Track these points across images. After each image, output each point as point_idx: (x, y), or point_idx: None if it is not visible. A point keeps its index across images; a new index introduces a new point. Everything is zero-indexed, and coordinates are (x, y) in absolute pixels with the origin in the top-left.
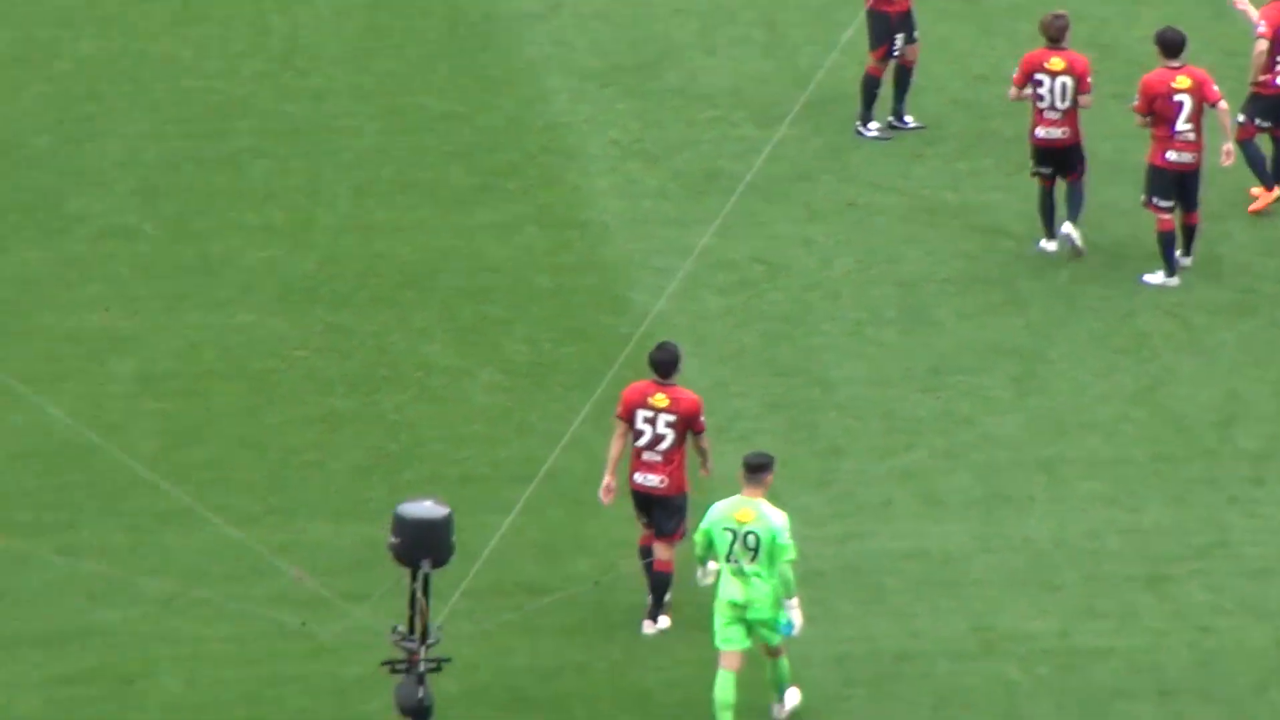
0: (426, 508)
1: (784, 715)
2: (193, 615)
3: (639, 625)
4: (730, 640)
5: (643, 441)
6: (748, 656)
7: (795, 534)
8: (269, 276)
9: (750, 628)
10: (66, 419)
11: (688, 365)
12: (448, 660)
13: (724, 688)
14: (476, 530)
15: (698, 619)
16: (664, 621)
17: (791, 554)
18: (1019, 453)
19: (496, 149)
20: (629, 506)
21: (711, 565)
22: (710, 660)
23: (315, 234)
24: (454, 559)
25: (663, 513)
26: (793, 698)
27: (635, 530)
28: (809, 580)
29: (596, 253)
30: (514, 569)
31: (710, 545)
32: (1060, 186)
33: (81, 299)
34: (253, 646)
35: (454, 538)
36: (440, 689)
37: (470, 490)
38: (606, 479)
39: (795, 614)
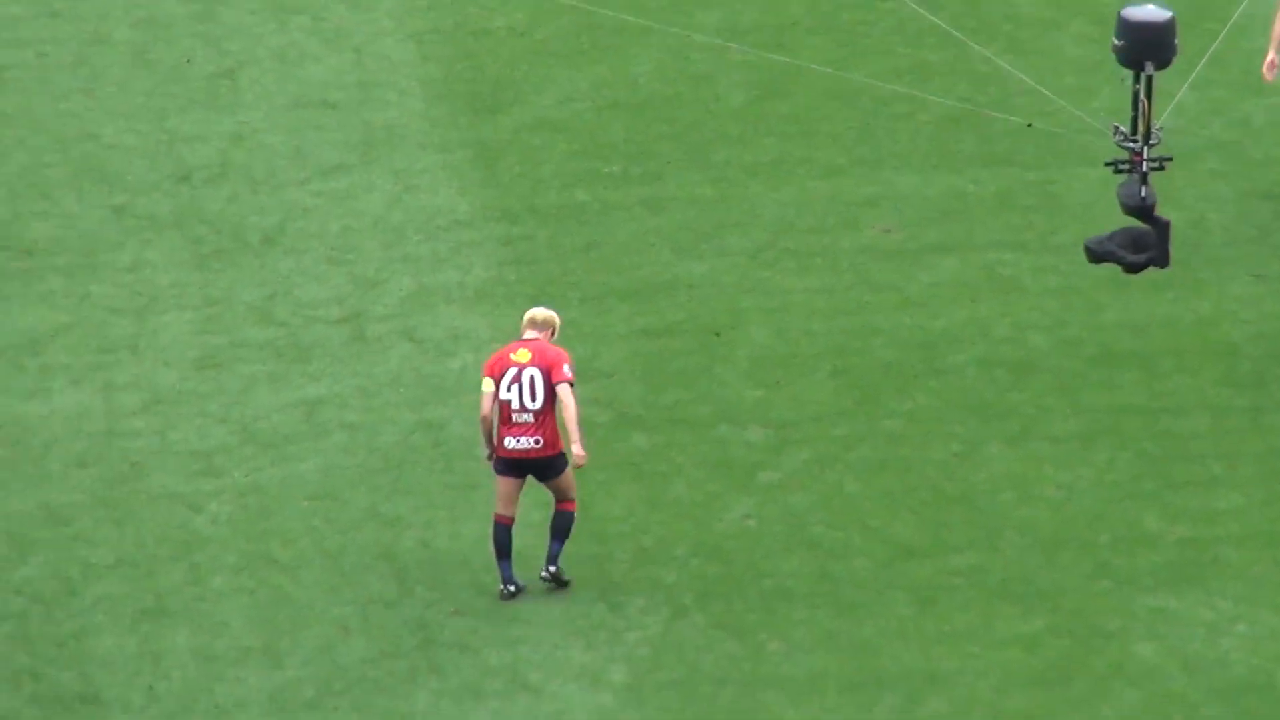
0: (1149, 11)
1: None
2: (780, 267)
3: (1227, 280)
4: None
5: None
6: None
7: None
8: None
9: None
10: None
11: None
12: (1169, 159)
13: None
14: (1067, 183)
15: None
16: None
17: None
18: None
19: None
20: (1215, 161)
21: None
22: None
23: None
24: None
25: None
26: None
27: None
28: None
29: None
30: (1102, 222)
31: None
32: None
33: None
34: (841, 298)
35: (1177, 40)
36: (1036, 346)
37: (1061, 143)
38: (1270, 56)
39: None
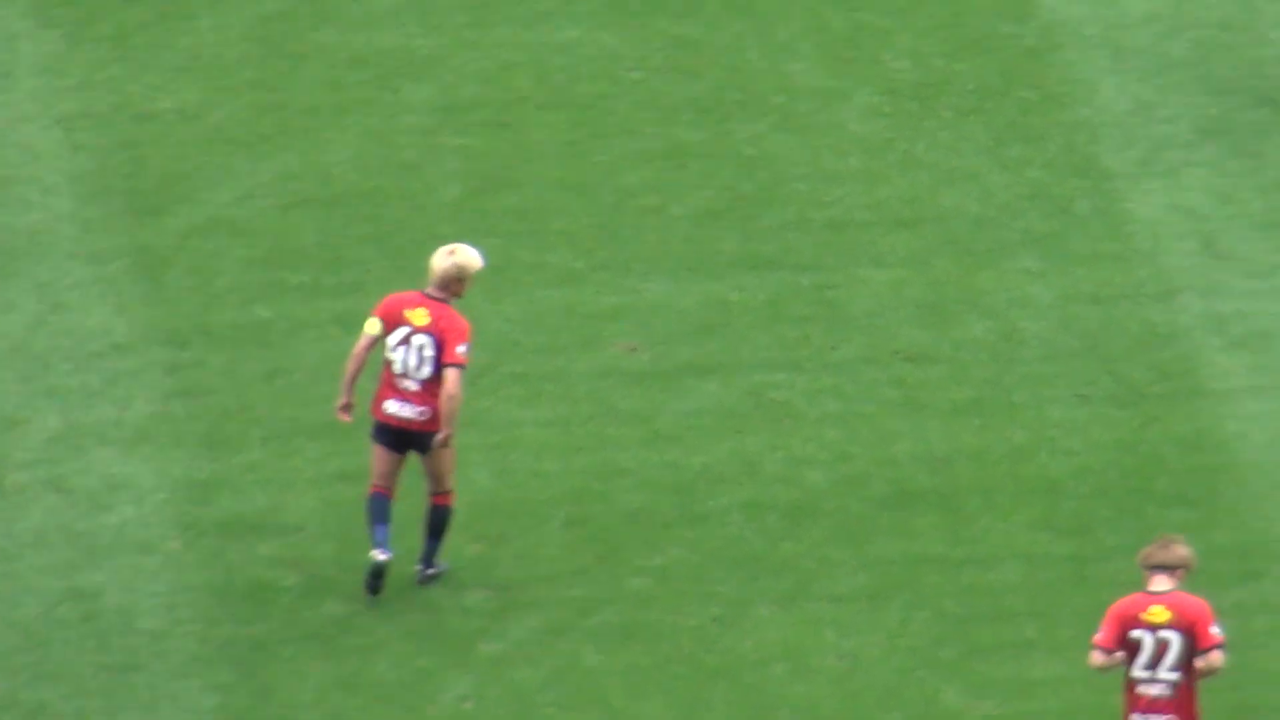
0: None
1: None
2: (504, 395)
3: (1046, 402)
4: None
5: None
6: None
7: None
8: None
9: None
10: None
11: (1103, 83)
12: None
13: None
14: (850, 287)
15: (1119, 394)
16: None
17: None
18: None
19: None
20: (1030, 258)
21: None
22: (1127, 443)
23: None
24: None
25: None
26: None
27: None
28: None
29: None
30: (891, 334)
31: None
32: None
33: (370, 13)
34: (577, 432)
35: None
36: (814, 485)
37: (843, 239)
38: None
39: None
